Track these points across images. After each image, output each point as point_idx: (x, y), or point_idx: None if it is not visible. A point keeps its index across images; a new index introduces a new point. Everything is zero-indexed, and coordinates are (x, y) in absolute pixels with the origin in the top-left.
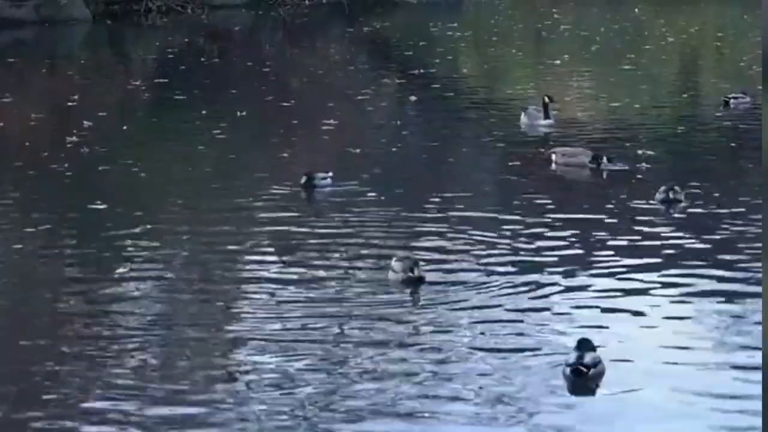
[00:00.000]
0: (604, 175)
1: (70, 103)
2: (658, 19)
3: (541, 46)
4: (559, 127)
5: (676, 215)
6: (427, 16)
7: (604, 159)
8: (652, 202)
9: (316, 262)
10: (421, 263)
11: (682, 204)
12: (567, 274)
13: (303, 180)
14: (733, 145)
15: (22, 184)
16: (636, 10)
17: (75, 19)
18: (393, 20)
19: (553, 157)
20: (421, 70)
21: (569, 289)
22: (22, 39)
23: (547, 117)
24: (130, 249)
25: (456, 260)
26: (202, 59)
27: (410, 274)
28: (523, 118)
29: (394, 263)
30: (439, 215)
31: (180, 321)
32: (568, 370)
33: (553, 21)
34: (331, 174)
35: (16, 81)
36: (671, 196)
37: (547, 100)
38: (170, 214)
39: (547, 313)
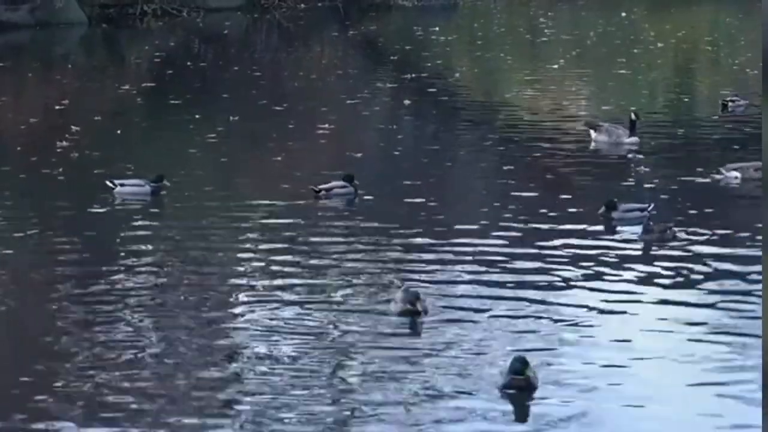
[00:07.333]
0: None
1: (63, 107)
2: (643, 23)
3: (535, 50)
4: (646, 146)
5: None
6: (422, 19)
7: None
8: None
9: (310, 266)
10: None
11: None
12: (571, 293)
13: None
14: (735, 147)
15: (13, 187)
16: (623, 14)
17: (70, 23)
18: (388, 24)
19: (735, 173)
20: (414, 74)
21: (573, 309)
22: (17, 42)
23: (633, 134)
24: (122, 254)
25: (452, 269)
26: (194, 63)
27: (409, 307)
28: (600, 136)
29: (397, 294)
30: (440, 222)
31: (176, 327)
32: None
33: (544, 25)
34: None
35: (10, 84)
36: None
37: (634, 116)
38: (163, 218)
39: (546, 330)
